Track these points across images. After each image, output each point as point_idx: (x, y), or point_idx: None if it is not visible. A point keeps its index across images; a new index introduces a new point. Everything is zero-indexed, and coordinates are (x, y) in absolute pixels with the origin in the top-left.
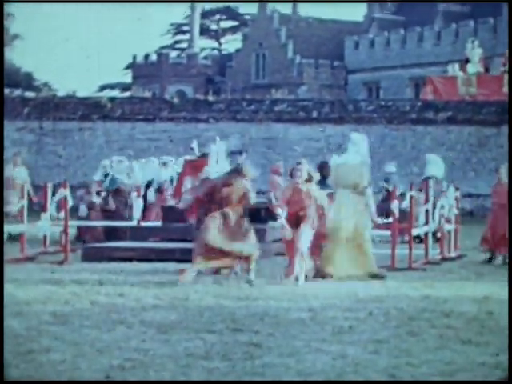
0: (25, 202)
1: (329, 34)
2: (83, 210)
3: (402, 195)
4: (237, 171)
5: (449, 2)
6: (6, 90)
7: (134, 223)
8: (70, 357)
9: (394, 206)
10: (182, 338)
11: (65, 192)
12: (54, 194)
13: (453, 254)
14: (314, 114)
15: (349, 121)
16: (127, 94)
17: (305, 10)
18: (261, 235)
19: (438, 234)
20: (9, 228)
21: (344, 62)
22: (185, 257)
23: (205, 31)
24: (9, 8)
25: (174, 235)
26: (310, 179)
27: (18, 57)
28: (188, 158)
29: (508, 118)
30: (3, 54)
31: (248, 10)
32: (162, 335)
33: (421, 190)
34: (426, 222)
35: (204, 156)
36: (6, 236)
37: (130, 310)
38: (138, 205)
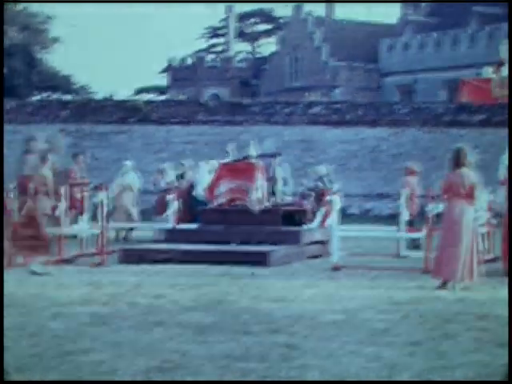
0: (63, 204)
1: (363, 36)
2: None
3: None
4: None
5: (465, 2)
6: (45, 94)
7: (169, 225)
8: (109, 358)
9: (429, 208)
10: (219, 339)
11: (103, 195)
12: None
13: (487, 257)
14: (348, 117)
15: (382, 123)
16: (163, 97)
17: (339, 11)
18: (296, 238)
19: None
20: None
21: (378, 65)
22: (221, 259)
23: (240, 35)
24: (49, 11)
25: (211, 237)
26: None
27: (56, 60)
28: (224, 161)
29: (508, 118)
30: (3, 54)
31: (283, 13)
32: (200, 337)
33: None
34: None
35: (244, 159)
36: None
37: (168, 312)
38: (173, 207)
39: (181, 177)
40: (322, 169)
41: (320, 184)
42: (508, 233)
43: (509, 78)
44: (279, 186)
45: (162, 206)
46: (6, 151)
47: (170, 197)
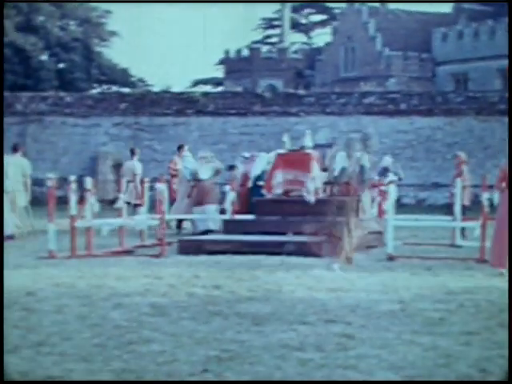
0: (123, 195)
1: (417, 25)
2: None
3: None
4: None
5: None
6: (105, 86)
7: (227, 216)
8: (169, 348)
9: (484, 197)
10: (276, 329)
11: (162, 186)
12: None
13: None
14: (403, 107)
15: (437, 113)
16: (220, 88)
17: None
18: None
19: None
20: (109, 221)
21: (432, 54)
22: (277, 249)
23: (295, 25)
24: (106, 6)
25: (267, 228)
26: None
27: (115, 53)
28: (280, 151)
29: (508, 116)
30: (3, 53)
31: (337, 3)
32: (257, 327)
33: None
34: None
35: (300, 149)
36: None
37: (226, 302)
38: (229, 198)
39: (230, 168)
40: (388, 160)
41: (389, 175)
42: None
43: (509, 78)
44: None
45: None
46: (67, 143)
47: (226, 187)
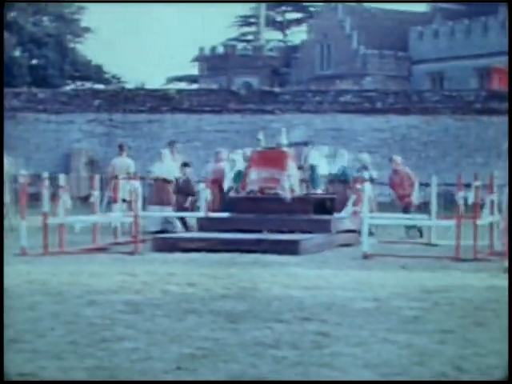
0: (97, 192)
1: (393, 24)
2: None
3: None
4: None
5: (452, 3)
6: (79, 83)
7: (201, 214)
8: (143, 345)
9: (459, 196)
10: (251, 327)
11: (136, 183)
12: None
13: None
14: (379, 105)
15: (413, 111)
16: (195, 86)
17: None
18: (326, 226)
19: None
20: (82, 218)
21: (408, 53)
22: (252, 247)
23: (271, 23)
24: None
25: (242, 226)
26: None
27: (88, 50)
28: (255, 149)
29: (508, 116)
30: (3, 53)
31: (314, 2)
32: (232, 324)
33: None
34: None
35: (276, 147)
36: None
37: (200, 300)
38: (205, 196)
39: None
40: (367, 157)
41: (365, 173)
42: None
43: (509, 78)
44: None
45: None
46: (40, 140)
47: (201, 185)
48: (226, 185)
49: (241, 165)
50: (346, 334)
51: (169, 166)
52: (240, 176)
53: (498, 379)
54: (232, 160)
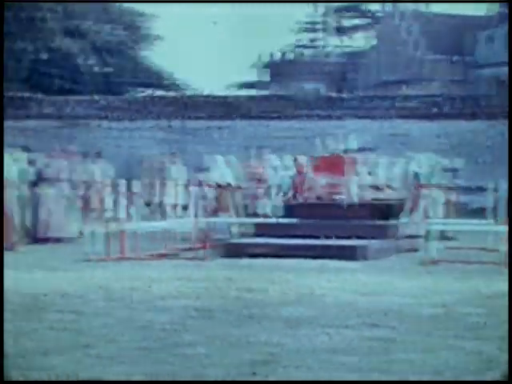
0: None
1: (460, 29)
2: None
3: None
4: None
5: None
6: (150, 90)
7: (272, 220)
8: (212, 351)
9: None
10: (318, 332)
11: (203, 190)
12: None
13: None
14: (446, 110)
15: (481, 116)
16: (264, 92)
17: (435, 5)
18: (392, 231)
19: None
20: (153, 224)
21: (474, 57)
22: (315, 253)
23: (338, 29)
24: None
25: (310, 232)
26: None
27: (158, 57)
28: (319, 155)
29: (508, 116)
30: (3, 53)
31: (379, 6)
32: (295, 330)
33: None
34: None
35: (341, 153)
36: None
37: (264, 306)
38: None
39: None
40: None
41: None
42: None
43: (509, 78)
44: None
45: None
46: (115, 148)
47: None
48: (274, 191)
49: (290, 171)
50: (414, 341)
51: (224, 172)
52: (289, 182)
53: (498, 379)
54: (280, 166)
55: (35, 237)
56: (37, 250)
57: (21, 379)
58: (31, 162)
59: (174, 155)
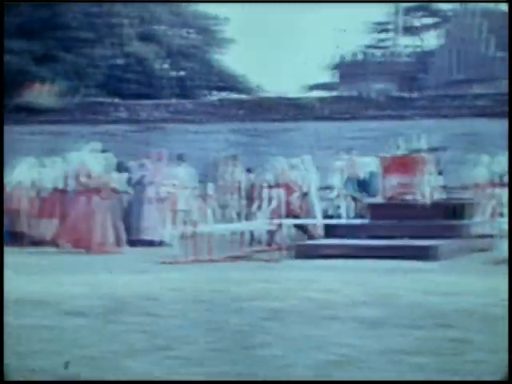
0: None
1: None
2: None
3: None
4: None
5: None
6: (223, 93)
7: (343, 221)
8: (287, 352)
9: None
10: (392, 333)
11: (280, 192)
12: None
13: None
14: None
15: None
16: (333, 93)
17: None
18: (464, 231)
19: None
20: (228, 226)
21: None
22: (392, 254)
23: (407, 29)
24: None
25: (382, 232)
26: None
27: (231, 60)
28: (390, 155)
29: (508, 116)
30: (3, 53)
31: (449, 6)
32: (371, 331)
33: None
34: None
35: (413, 153)
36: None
37: (340, 307)
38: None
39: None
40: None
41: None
42: None
43: (509, 78)
44: None
45: None
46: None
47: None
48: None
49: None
50: (488, 341)
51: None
52: (348, 183)
53: (498, 379)
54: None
55: (129, 239)
56: (130, 253)
57: (21, 379)
58: (120, 166)
59: (234, 158)
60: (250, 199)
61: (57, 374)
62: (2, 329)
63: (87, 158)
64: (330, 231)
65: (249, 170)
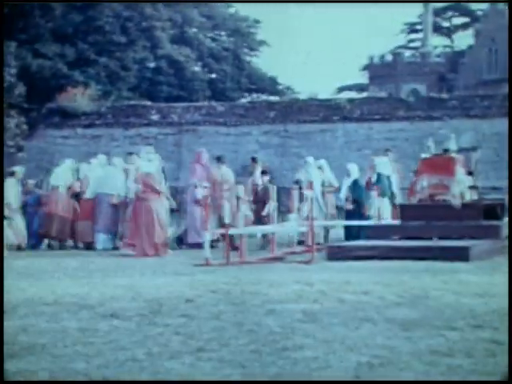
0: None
1: None
2: None
3: None
4: None
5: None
6: (254, 95)
7: (374, 222)
8: (322, 354)
9: None
10: (425, 335)
11: (310, 193)
12: None
13: None
14: None
15: None
16: (364, 94)
17: None
18: (496, 232)
19: None
20: (260, 228)
21: None
22: (423, 255)
23: (437, 29)
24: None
25: (413, 233)
26: None
27: (263, 62)
28: (423, 156)
29: (508, 116)
30: (3, 54)
31: (479, 5)
32: (406, 332)
33: None
34: None
35: (444, 153)
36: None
37: (375, 308)
38: (376, 204)
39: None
40: None
41: None
42: None
43: (509, 78)
44: None
45: None
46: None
47: (373, 193)
48: (343, 193)
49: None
50: None
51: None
52: (356, 185)
53: (498, 379)
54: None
55: (178, 242)
56: (177, 255)
57: (21, 379)
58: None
59: (254, 160)
60: (260, 202)
61: (92, 376)
62: (2, 329)
63: (144, 164)
64: (362, 232)
65: (264, 172)
